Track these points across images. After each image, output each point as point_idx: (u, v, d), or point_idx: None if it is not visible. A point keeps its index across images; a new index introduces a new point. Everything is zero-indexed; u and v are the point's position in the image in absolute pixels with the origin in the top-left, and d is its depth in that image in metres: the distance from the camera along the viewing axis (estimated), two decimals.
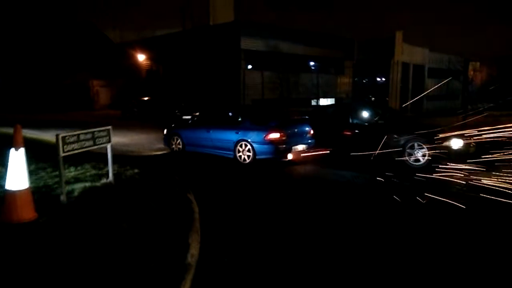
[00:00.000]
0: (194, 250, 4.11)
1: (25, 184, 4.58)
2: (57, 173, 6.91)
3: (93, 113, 29.60)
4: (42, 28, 34.68)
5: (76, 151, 5.59)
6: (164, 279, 3.38)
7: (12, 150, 4.56)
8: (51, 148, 10.32)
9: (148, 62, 32.84)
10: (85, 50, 36.51)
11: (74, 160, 7.48)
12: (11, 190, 4.52)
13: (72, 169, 7.46)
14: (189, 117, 18.83)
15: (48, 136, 13.53)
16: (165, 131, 11.44)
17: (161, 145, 11.79)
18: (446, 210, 5.61)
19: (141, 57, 31.92)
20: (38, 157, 8.04)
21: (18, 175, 4.53)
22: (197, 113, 18.39)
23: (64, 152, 5.27)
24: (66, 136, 5.31)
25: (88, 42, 37.37)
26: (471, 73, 40.95)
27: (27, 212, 4.50)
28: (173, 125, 11.53)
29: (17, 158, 4.56)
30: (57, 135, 5.21)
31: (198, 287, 3.47)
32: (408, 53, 34.38)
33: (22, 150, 4.61)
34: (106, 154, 6.62)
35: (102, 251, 3.87)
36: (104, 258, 3.72)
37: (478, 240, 4.61)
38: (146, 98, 25.42)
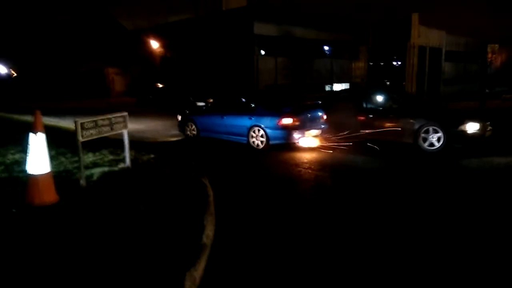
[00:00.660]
0: (209, 232, 4.24)
1: (46, 168, 4.76)
2: (76, 158, 7.13)
3: (109, 101, 29.98)
4: (57, 16, 35.06)
5: (94, 137, 5.75)
6: (180, 257, 3.52)
7: (34, 135, 4.73)
8: (70, 134, 10.59)
9: (162, 49, 32.95)
10: (100, 38, 36.79)
11: (92, 146, 7.67)
12: (33, 174, 4.70)
13: (90, 154, 7.66)
14: (203, 103, 18.97)
15: (66, 123, 13.84)
16: (179, 118, 11.57)
17: (176, 132, 11.94)
18: None
19: (155, 44, 32.03)
20: (57, 143, 8.27)
21: (39, 159, 4.71)
22: (211, 100, 18.53)
23: (83, 137, 5.43)
24: (84, 122, 5.46)
25: (103, 30, 37.63)
26: (489, 55, 39.89)
27: (48, 195, 4.69)
28: (187, 112, 11.65)
29: (38, 143, 4.74)
30: (75, 121, 5.36)
31: (213, 266, 3.59)
32: (425, 36, 33.60)
33: (43, 136, 4.77)
34: (122, 140, 6.78)
35: (122, 232, 4.03)
36: (123, 238, 3.88)
37: None
38: (160, 85, 25.61)
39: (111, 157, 7.65)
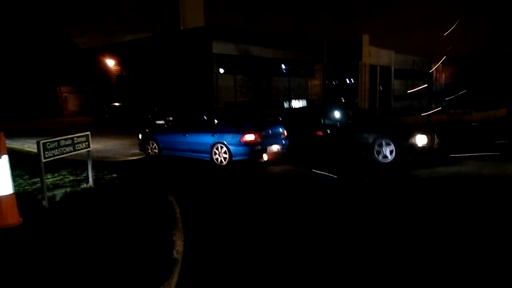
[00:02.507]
0: (179, 247, 4.32)
1: (9, 190, 4.65)
2: (35, 180, 6.98)
3: (62, 120, 28.95)
4: (6, 35, 33.62)
5: (56, 157, 5.67)
6: (153, 273, 3.58)
7: None
8: (24, 156, 10.25)
9: (118, 68, 32.46)
10: (52, 57, 35.66)
11: (50, 167, 7.48)
12: None
13: (49, 175, 7.46)
14: (162, 122, 18.84)
15: (18, 144, 13.32)
16: (140, 136, 11.48)
17: (136, 150, 11.83)
18: None
19: (110, 63, 31.50)
20: (12, 165, 7.96)
21: (3, 181, 4.59)
22: (171, 118, 18.44)
23: (45, 158, 5.35)
24: (47, 143, 5.39)
25: (55, 48, 36.52)
26: (434, 73, 42.67)
27: (12, 217, 4.58)
28: (147, 130, 11.60)
29: (2, 165, 4.63)
30: (38, 142, 5.28)
31: (185, 280, 3.68)
32: (375, 55, 35.53)
33: (6, 157, 4.68)
34: (80, 161, 6.70)
35: (91, 250, 4.02)
36: (93, 257, 3.87)
37: None
38: (117, 104, 25.11)
39: (71, 177, 7.50)
